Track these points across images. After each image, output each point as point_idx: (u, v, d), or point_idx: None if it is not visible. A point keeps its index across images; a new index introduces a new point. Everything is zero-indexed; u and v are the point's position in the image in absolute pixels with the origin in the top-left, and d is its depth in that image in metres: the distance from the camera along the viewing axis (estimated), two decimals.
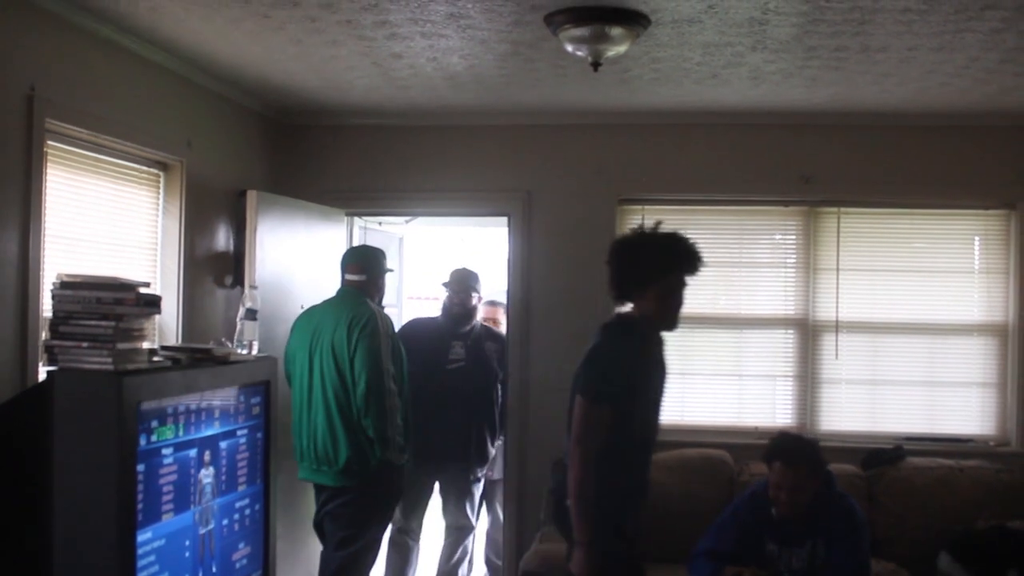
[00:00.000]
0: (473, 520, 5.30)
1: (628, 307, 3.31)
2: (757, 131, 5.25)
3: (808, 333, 5.30)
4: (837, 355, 5.27)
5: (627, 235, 3.46)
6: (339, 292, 4.37)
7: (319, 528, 4.28)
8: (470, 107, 5.12)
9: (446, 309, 5.25)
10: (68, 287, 2.74)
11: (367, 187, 5.48)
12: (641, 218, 5.34)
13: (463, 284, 5.21)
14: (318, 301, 4.43)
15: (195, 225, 4.44)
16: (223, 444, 3.21)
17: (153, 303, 2.84)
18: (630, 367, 3.17)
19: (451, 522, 5.27)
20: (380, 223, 6.18)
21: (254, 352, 3.68)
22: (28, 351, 3.28)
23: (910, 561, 4.40)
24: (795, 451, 3.72)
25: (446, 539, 5.31)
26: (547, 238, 5.39)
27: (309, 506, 4.57)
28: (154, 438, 2.77)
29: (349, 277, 4.31)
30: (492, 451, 5.30)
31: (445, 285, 5.27)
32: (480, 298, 5.34)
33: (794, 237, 5.37)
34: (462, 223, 8.53)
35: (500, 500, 5.48)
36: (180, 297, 4.31)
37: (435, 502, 5.34)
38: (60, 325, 2.71)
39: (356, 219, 5.72)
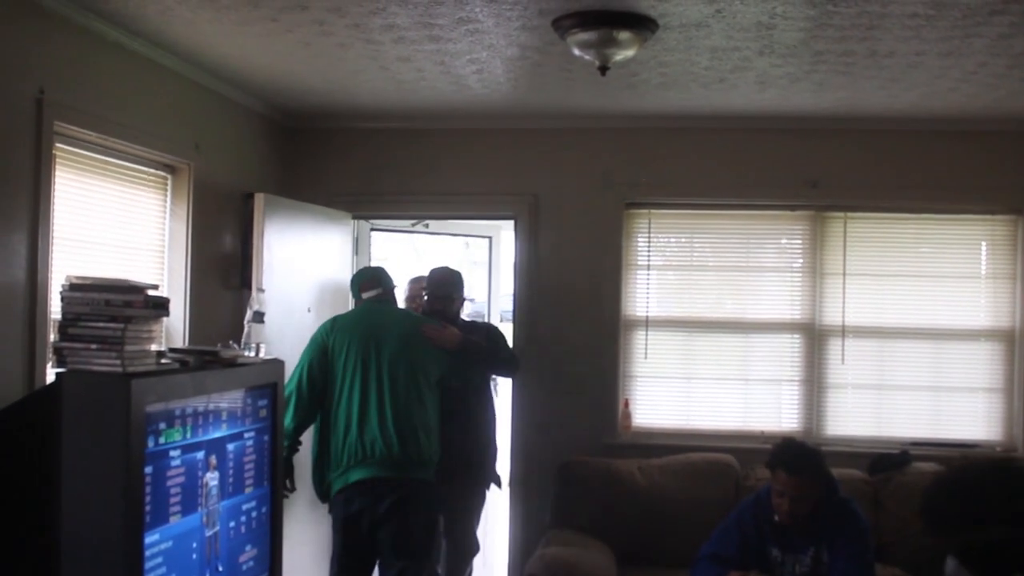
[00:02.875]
0: (478, 540, 4.89)
1: None
2: (764, 136, 5.26)
3: (814, 338, 5.30)
4: (843, 360, 5.27)
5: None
6: (369, 303, 4.31)
7: (369, 540, 4.06)
8: (477, 110, 5.12)
9: (424, 314, 4.69)
10: (77, 289, 2.74)
11: (373, 190, 5.48)
12: (647, 223, 5.37)
13: (442, 287, 4.72)
14: (324, 304, 4.41)
15: (202, 228, 4.44)
16: (230, 446, 3.21)
17: (162, 305, 2.84)
18: None
19: (452, 544, 4.77)
20: (427, 225, 5.99)
21: (261, 355, 3.68)
22: (36, 353, 3.30)
23: (916, 566, 4.37)
24: (798, 459, 3.70)
25: (446, 565, 4.78)
26: (553, 241, 5.40)
27: (314, 509, 4.57)
28: (162, 440, 2.78)
29: (367, 295, 4.34)
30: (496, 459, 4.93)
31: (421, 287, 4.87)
32: (463, 301, 4.85)
33: (800, 242, 5.36)
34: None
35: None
36: (187, 299, 4.32)
37: None
38: (69, 327, 2.72)
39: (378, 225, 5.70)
